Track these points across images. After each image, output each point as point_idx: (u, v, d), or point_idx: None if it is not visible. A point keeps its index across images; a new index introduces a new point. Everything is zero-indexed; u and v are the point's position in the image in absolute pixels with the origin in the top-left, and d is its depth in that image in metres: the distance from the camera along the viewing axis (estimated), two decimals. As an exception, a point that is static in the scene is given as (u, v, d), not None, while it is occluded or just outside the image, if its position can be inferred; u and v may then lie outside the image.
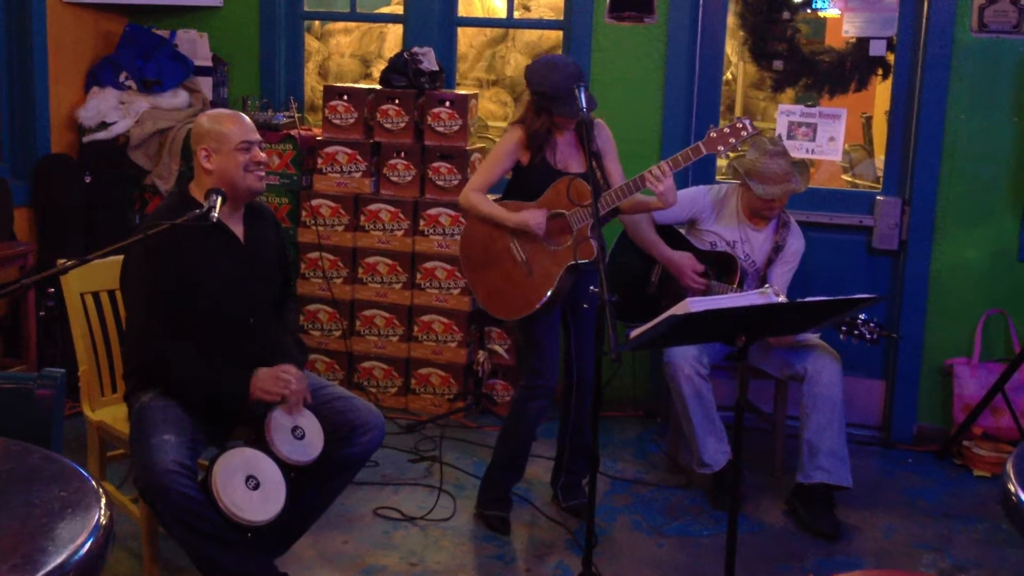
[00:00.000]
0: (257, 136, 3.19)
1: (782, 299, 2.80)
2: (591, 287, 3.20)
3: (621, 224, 4.27)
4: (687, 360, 4.00)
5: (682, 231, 4.33)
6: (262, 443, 3.04)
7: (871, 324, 3.92)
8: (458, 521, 3.89)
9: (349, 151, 4.97)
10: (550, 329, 3.78)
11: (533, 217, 3.63)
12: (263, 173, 3.19)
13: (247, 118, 3.21)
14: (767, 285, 3.70)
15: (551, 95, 3.60)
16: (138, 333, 3.10)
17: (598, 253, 3.20)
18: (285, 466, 3.03)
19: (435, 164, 4.91)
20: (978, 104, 4.61)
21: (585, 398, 3.84)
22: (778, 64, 5.36)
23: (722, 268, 4.15)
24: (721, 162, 5.27)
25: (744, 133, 3.55)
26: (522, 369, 3.98)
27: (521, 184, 3.78)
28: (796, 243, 4.25)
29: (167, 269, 3.04)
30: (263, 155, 3.19)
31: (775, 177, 4.04)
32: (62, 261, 2.72)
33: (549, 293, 3.64)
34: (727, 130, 3.55)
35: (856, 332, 3.92)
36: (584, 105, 3.35)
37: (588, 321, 3.77)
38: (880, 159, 5.40)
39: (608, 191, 3.58)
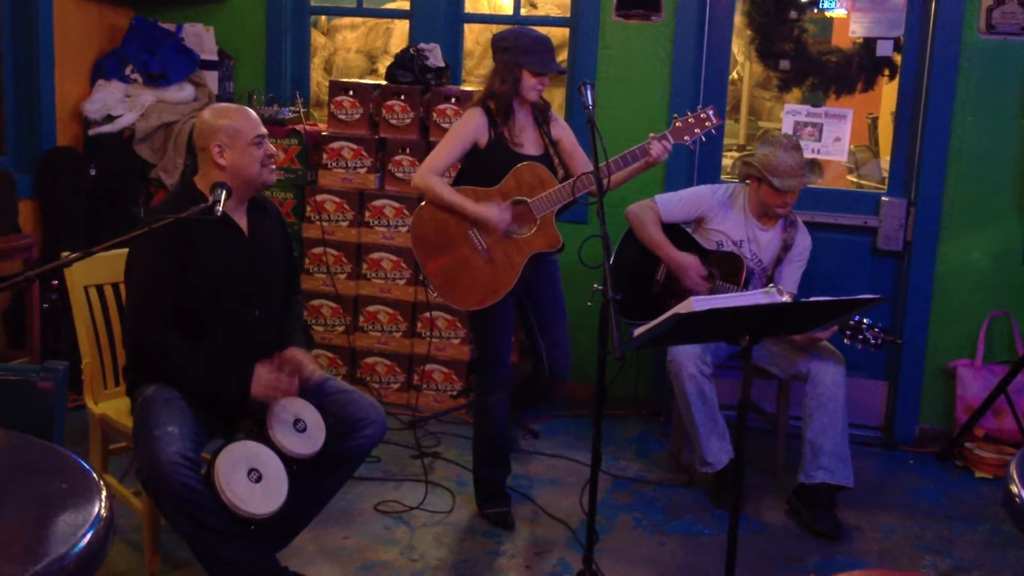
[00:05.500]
0: (264, 130, 3.20)
1: (787, 299, 2.79)
2: (600, 280, 3.18)
3: (627, 223, 4.27)
4: (691, 359, 4.00)
5: (688, 230, 4.32)
6: (264, 436, 3.04)
7: (875, 329, 3.91)
8: (459, 517, 3.89)
9: (354, 147, 4.97)
10: (503, 322, 3.74)
11: (497, 213, 3.58)
12: (274, 166, 3.22)
13: (252, 112, 3.21)
14: (772, 284, 3.70)
15: (526, 47, 3.59)
16: (136, 323, 3.09)
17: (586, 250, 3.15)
18: (287, 459, 3.03)
19: (440, 160, 4.90)
20: (985, 106, 4.60)
21: (555, 388, 3.82)
22: (785, 64, 5.35)
23: (728, 268, 4.14)
24: (726, 161, 5.26)
25: (708, 124, 3.63)
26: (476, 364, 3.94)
27: (475, 167, 3.71)
28: (804, 241, 4.25)
29: (171, 262, 3.04)
30: (273, 148, 3.21)
31: (791, 170, 4.05)
32: (66, 254, 2.72)
33: (514, 282, 3.62)
34: (692, 120, 3.62)
35: (860, 337, 3.91)
36: (591, 103, 3.31)
37: (553, 310, 3.77)
38: (886, 160, 5.39)
39: (608, 161, 3.51)
